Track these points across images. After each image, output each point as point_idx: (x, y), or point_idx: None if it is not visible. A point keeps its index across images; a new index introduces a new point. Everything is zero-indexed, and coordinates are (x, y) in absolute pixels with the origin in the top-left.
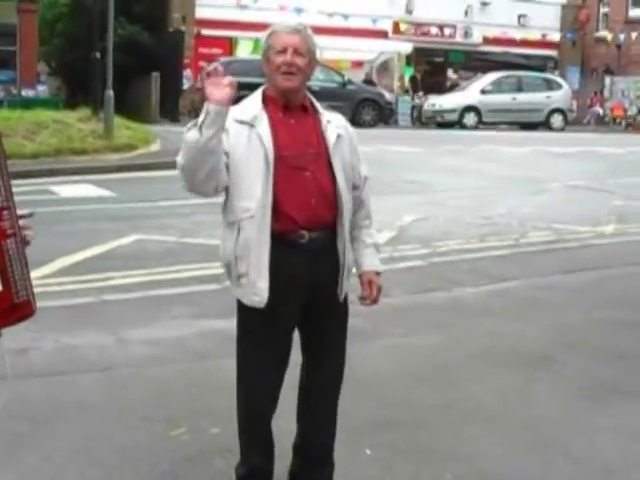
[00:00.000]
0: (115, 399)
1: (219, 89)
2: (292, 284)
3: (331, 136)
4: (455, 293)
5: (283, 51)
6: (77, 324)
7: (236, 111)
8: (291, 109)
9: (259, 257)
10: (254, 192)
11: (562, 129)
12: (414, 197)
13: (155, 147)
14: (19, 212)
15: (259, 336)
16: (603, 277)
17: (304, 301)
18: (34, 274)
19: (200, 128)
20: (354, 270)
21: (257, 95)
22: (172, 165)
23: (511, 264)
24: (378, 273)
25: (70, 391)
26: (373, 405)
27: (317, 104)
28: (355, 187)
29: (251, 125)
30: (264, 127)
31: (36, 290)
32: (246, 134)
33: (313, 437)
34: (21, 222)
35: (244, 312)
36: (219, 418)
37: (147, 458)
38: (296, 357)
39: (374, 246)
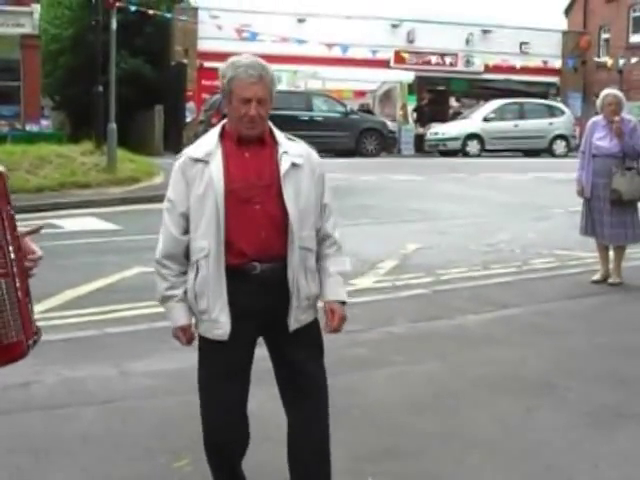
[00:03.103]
0: (117, 431)
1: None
2: (247, 314)
3: (284, 165)
4: (458, 321)
5: (247, 102)
6: (79, 357)
7: (192, 149)
8: (246, 142)
9: (218, 293)
10: (209, 231)
11: (565, 155)
12: (417, 225)
13: (158, 179)
14: (26, 229)
15: (218, 365)
16: (606, 302)
17: (262, 330)
18: (38, 307)
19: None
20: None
21: (215, 130)
22: None
23: (514, 291)
24: (343, 302)
25: (72, 424)
26: (375, 433)
27: (278, 135)
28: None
29: (205, 162)
30: (216, 163)
31: (39, 323)
32: (200, 173)
33: (301, 466)
34: (30, 255)
35: (204, 343)
36: None
37: None
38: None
39: (338, 274)
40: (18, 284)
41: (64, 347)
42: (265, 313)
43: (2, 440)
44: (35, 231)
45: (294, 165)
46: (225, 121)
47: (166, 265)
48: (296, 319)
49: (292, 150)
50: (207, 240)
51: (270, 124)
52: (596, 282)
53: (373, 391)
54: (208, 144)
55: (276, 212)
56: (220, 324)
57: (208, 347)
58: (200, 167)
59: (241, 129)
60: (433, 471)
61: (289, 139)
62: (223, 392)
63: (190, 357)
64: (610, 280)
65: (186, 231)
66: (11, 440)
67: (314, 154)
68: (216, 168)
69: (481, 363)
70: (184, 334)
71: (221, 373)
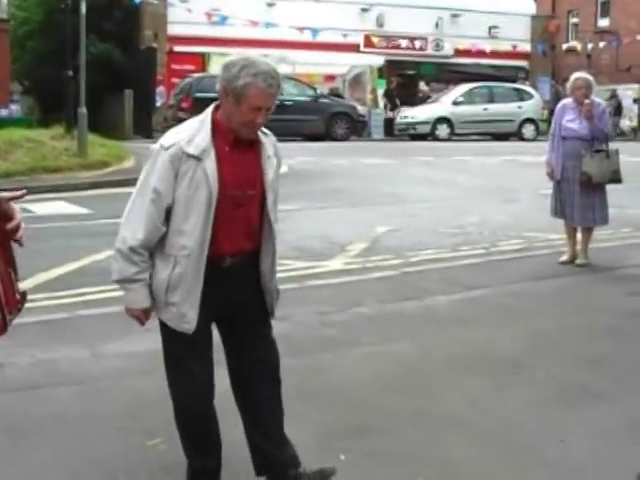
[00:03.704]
0: (91, 411)
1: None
2: (212, 302)
3: (269, 172)
4: (427, 302)
5: (257, 110)
6: (52, 339)
7: (184, 141)
8: (239, 142)
9: (193, 290)
10: (193, 231)
11: (534, 139)
12: (387, 208)
13: (129, 164)
14: (10, 194)
15: (182, 347)
16: (573, 283)
17: (222, 315)
18: None
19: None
20: None
21: (207, 123)
22: None
23: (482, 272)
24: None
25: (46, 404)
26: (347, 412)
27: (259, 133)
28: None
29: (198, 159)
30: (210, 164)
31: None
32: (192, 169)
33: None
34: (12, 223)
35: (167, 330)
36: None
37: (125, 468)
38: None
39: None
40: None
41: (37, 329)
42: (228, 299)
43: None
44: (18, 197)
45: (274, 170)
46: (211, 111)
47: (141, 253)
48: (272, 308)
49: (270, 150)
50: (191, 240)
51: None
52: (563, 263)
53: (343, 371)
54: (202, 140)
55: (254, 215)
56: (187, 318)
57: (171, 332)
58: (192, 163)
59: (242, 133)
60: (404, 448)
61: (263, 133)
62: (192, 367)
63: None
64: (577, 261)
65: (165, 222)
66: None
67: (279, 148)
68: (211, 170)
69: (450, 343)
70: (145, 316)
71: (186, 351)
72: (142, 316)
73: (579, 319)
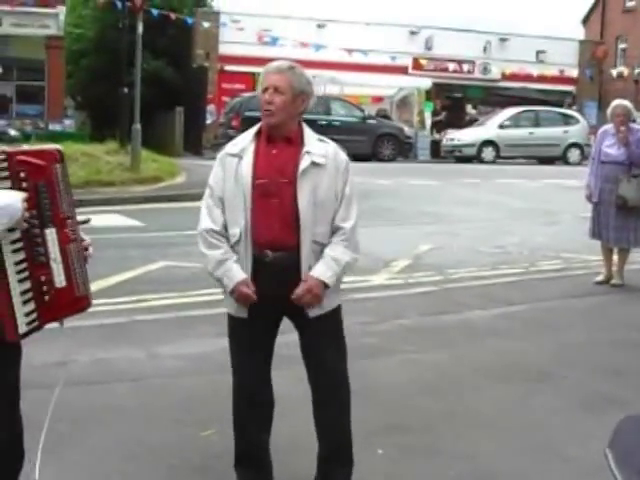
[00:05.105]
0: (147, 405)
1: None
2: (262, 297)
3: (303, 164)
4: (464, 315)
5: (265, 90)
6: (111, 341)
7: (230, 144)
8: (274, 140)
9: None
10: (239, 219)
11: (579, 163)
12: (430, 227)
13: (180, 179)
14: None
15: (240, 338)
16: (606, 302)
17: (280, 311)
18: None
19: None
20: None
21: (254, 127)
22: (197, 197)
23: (520, 290)
24: (325, 284)
25: (106, 398)
26: (385, 412)
27: (307, 136)
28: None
29: (239, 157)
30: (248, 158)
31: None
32: (234, 166)
33: (322, 437)
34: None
35: (230, 319)
36: None
37: (179, 455)
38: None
39: (332, 259)
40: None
41: (96, 332)
42: (279, 296)
43: (46, 410)
44: (84, 222)
45: (315, 164)
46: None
47: (215, 236)
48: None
49: (316, 150)
50: (238, 228)
51: (304, 126)
52: (599, 283)
53: (383, 376)
54: (243, 140)
55: (292, 207)
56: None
57: (233, 323)
58: (235, 161)
59: (263, 118)
60: (436, 444)
61: (320, 140)
62: (247, 360)
63: (214, 342)
64: (612, 281)
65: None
66: (53, 410)
67: (341, 153)
68: (246, 163)
69: (484, 353)
70: (248, 286)
71: (244, 345)
72: (246, 288)
73: (608, 334)
